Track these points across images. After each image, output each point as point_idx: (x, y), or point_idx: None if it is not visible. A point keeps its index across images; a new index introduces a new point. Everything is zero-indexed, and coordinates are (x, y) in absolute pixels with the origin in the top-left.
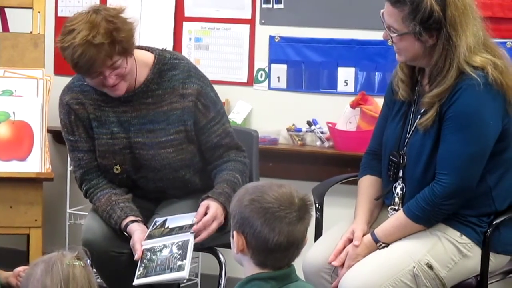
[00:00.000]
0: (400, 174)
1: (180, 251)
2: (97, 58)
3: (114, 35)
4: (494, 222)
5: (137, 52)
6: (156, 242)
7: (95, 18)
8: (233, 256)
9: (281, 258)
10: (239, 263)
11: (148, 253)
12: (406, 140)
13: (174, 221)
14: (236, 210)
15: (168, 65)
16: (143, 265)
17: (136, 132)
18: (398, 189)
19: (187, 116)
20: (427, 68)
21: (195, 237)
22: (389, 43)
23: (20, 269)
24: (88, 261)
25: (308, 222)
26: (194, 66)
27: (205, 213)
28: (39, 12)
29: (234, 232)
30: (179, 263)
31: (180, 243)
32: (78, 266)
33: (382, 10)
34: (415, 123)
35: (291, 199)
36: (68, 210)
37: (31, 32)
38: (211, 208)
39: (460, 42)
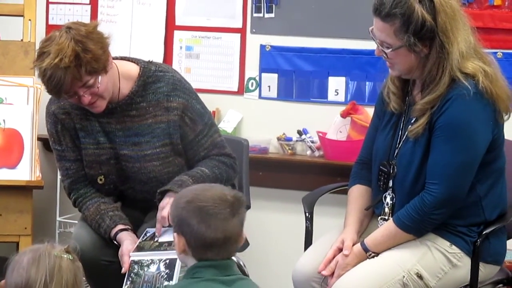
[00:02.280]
0: (390, 184)
1: (167, 270)
2: (65, 81)
3: (81, 57)
4: (484, 232)
5: (121, 64)
6: (144, 256)
7: (64, 39)
8: (178, 258)
9: (220, 252)
10: (184, 263)
11: (136, 266)
12: (396, 150)
13: (164, 234)
14: (174, 213)
15: (153, 78)
16: (130, 279)
17: (121, 144)
18: (388, 199)
19: (173, 130)
20: (419, 79)
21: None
22: (383, 58)
23: (1, 283)
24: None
25: (242, 217)
26: (179, 79)
27: None
28: (30, 20)
29: (175, 234)
30: (166, 283)
31: (167, 261)
32: (66, 259)
33: (371, 28)
34: (406, 133)
35: (223, 197)
36: (58, 218)
37: (21, 40)
38: (161, 203)
39: (453, 48)
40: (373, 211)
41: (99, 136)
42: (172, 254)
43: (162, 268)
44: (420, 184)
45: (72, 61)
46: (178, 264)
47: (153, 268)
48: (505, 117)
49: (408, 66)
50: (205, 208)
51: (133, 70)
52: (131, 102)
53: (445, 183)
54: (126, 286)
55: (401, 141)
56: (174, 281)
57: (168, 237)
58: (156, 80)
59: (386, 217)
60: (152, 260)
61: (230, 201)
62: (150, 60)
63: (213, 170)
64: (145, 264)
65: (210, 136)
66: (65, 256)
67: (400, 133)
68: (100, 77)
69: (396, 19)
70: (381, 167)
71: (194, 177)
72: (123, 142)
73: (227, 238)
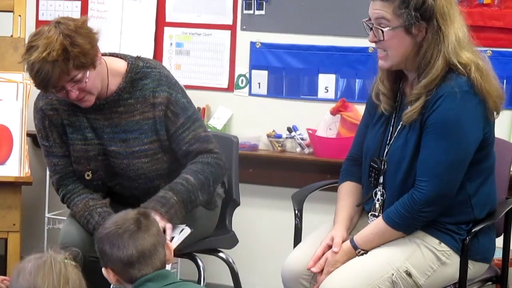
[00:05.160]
0: (381, 180)
1: None
2: (52, 75)
3: (69, 51)
4: (473, 230)
5: (110, 60)
6: None
7: (53, 34)
8: None
9: (143, 267)
10: None
11: None
12: (387, 147)
13: None
14: (97, 249)
15: (140, 74)
16: None
17: (109, 140)
18: (378, 195)
19: (159, 126)
20: (410, 72)
21: None
22: (376, 45)
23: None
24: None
25: (152, 229)
26: (166, 74)
27: None
28: (19, 15)
29: (103, 270)
30: None
31: None
32: (70, 264)
33: (364, 20)
34: (397, 130)
35: (125, 216)
36: (47, 215)
37: (11, 36)
38: None
39: (449, 31)
40: (363, 208)
41: (87, 132)
42: None
43: None
44: (411, 181)
45: (60, 54)
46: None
47: None
48: (496, 116)
49: (403, 51)
50: (110, 232)
51: (121, 66)
52: (118, 99)
53: (435, 181)
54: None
55: (392, 138)
56: None
57: None
58: (143, 77)
59: (376, 213)
60: None
61: (133, 218)
62: (138, 56)
63: (197, 176)
64: None
65: (193, 130)
66: (69, 262)
67: (391, 130)
68: (88, 72)
69: None
70: (371, 163)
71: (178, 193)
72: (111, 138)
73: (141, 252)
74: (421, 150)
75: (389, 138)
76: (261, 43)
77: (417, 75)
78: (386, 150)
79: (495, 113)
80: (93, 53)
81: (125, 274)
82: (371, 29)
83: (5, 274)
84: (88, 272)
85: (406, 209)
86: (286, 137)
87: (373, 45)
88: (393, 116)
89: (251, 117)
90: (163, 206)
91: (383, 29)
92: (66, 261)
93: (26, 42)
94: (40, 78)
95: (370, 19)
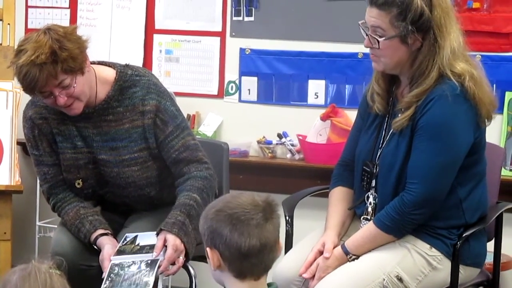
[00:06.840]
0: (373, 183)
1: (148, 268)
2: (40, 78)
3: (58, 54)
4: (464, 235)
5: (98, 68)
6: (125, 258)
7: (42, 38)
8: (213, 276)
9: (257, 263)
10: (219, 283)
11: (116, 268)
12: (379, 150)
13: (145, 238)
14: (204, 226)
15: (129, 82)
16: (109, 279)
17: (99, 149)
18: (371, 199)
19: (149, 134)
20: (404, 77)
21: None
22: (370, 51)
23: None
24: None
25: (277, 222)
26: (154, 82)
27: (164, 245)
28: (8, 24)
29: (208, 249)
30: (146, 279)
31: (149, 261)
32: (54, 273)
33: (360, 21)
34: (389, 134)
35: (254, 202)
36: (38, 223)
37: (0, 44)
38: (169, 240)
39: (445, 43)
40: (354, 213)
41: (76, 141)
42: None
43: (143, 266)
44: (402, 184)
45: (48, 57)
46: (159, 265)
47: (133, 268)
48: (487, 123)
49: (397, 59)
50: (235, 215)
51: (110, 74)
52: (107, 107)
53: (425, 183)
54: (105, 285)
55: (385, 142)
56: (151, 279)
57: (150, 240)
58: (132, 85)
59: (369, 217)
60: (133, 261)
61: (261, 206)
62: (127, 64)
63: (202, 195)
64: (126, 265)
65: (182, 138)
66: (54, 271)
67: (383, 134)
68: (76, 77)
69: (394, 7)
70: (364, 166)
71: (193, 220)
72: (100, 146)
73: (263, 245)
74: (411, 152)
75: (381, 142)
76: (251, 49)
77: (410, 84)
78: (379, 154)
79: (486, 121)
80: (82, 58)
81: (234, 263)
82: (367, 34)
83: None
84: (78, 281)
85: (396, 211)
86: (277, 143)
87: (363, 50)
88: (386, 121)
89: (241, 124)
90: (185, 235)
91: (379, 39)
92: (50, 270)
93: (17, 45)
94: (28, 81)
95: (365, 22)
